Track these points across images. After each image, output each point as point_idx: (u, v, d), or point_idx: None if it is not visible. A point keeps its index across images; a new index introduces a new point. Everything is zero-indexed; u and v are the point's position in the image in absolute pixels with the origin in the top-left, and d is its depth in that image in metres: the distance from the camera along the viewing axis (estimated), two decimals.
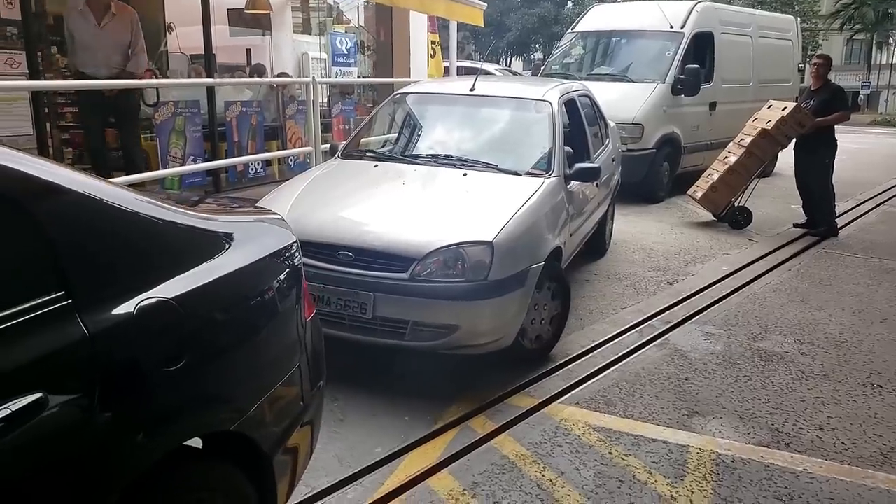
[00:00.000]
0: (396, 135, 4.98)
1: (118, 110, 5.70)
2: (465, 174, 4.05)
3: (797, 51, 11.70)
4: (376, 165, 4.33)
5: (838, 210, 8.19)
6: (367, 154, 4.65)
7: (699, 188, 7.39)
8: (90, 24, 5.57)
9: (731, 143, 7.47)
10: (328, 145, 5.25)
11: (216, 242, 1.78)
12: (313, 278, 3.30)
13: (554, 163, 4.18)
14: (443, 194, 3.90)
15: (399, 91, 5.28)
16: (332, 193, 4.03)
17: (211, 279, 1.67)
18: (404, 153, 4.54)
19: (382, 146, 4.92)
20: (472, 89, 4.76)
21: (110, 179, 1.98)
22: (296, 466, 2.08)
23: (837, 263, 6.04)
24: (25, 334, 1.26)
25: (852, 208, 8.61)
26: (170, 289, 1.55)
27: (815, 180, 6.94)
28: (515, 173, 4.10)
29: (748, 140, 7.04)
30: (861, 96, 30.60)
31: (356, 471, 2.74)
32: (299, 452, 2.10)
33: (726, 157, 7.30)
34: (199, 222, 1.80)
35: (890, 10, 32.81)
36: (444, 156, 4.32)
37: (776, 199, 8.51)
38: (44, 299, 1.30)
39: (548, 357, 3.82)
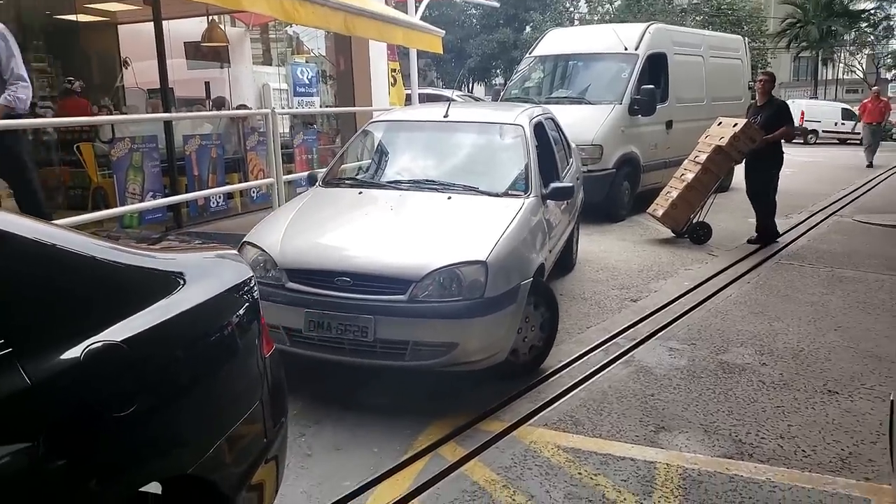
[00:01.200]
0: (375, 162, 5.05)
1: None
2: (449, 197, 4.17)
3: (747, 69, 12.12)
4: (360, 192, 4.40)
5: (792, 222, 8.54)
6: (349, 182, 4.72)
7: (659, 206, 7.54)
8: None
9: (686, 161, 7.67)
10: (306, 174, 5.28)
11: (169, 280, 1.76)
12: (312, 305, 3.43)
13: (531, 184, 4.34)
14: (431, 217, 4.01)
15: (374, 119, 5.39)
16: (322, 221, 4.11)
17: (163, 319, 1.64)
18: (386, 179, 4.60)
19: (362, 173, 4.96)
20: (445, 115, 4.91)
21: (54, 221, 1.94)
22: (261, 503, 2.04)
23: (793, 274, 6.21)
24: None
25: (805, 219, 8.89)
26: (120, 331, 1.52)
27: (759, 194, 7.28)
28: (496, 195, 4.25)
29: (703, 157, 7.23)
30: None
31: None
32: (265, 489, 2.06)
33: (683, 175, 7.48)
34: (149, 261, 1.78)
35: (833, 28, 34.24)
36: (426, 180, 4.44)
37: (734, 213, 8.73)
38: None
39: (538, 370, 3.93)
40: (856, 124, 18.16)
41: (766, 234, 7.42)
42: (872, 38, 35.80)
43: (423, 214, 4.07)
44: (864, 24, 35.17)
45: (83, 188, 6.79)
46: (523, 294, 3.64)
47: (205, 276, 1.91)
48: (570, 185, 4.74)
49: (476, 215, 3.97)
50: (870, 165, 15.53)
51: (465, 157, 4.79)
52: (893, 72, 35.66)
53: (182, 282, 1.78)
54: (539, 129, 5.07)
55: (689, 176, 7.29)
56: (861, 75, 37.37)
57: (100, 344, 1.46)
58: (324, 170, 5.03)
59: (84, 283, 1.56)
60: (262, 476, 2.02)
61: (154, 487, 1.62)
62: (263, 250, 3.71)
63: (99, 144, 6.51)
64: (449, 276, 3.41)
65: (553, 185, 4.47)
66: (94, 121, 5.47)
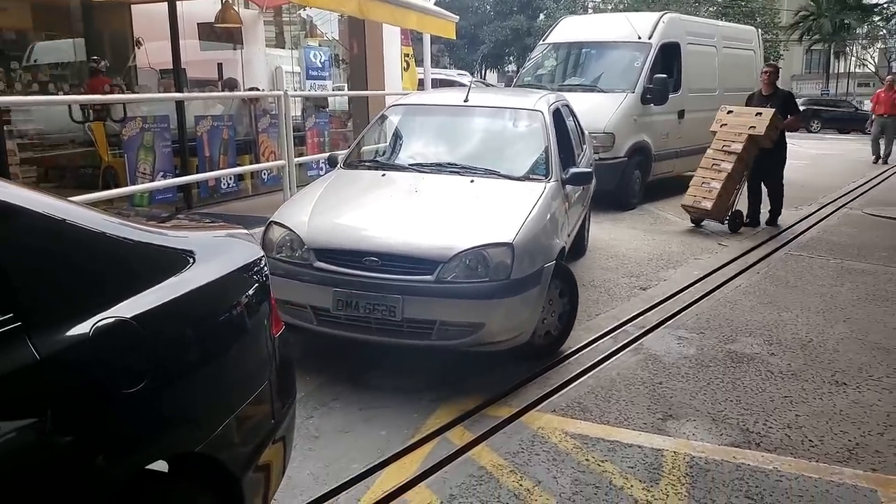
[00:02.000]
0: (396, 145, 5.08)
1: None
2: (472, 181, 4.22)
3: (759, 60, 11.96)
4: (384, 175, 4.45)
5: (802, 213, 8.51)
6: (370, 164, 4.75)
7: (703, 198, 7.43)
8: None
9: (712, 151, 7.61)
10: (327, 155, 5.30)
11: (179, 258, 1.76)
12: (341, 284, 3.48)
13: (552, 168, 4.41)
14: (455, 200, 4.05)
15: (394, 103, 5.43)
16: (348, 202, 4.15)
17: (174, 296, 1.64)
18: (409, 162, 4.63)
19: (384, 156, 4.98)
20: (465, 100, 4.97)
21: (70, 197, 1.95)
22: (268, 484, 2.05)
23: (802, 265, 6.17)
24: None
25: (815, 211, 8.81)
26: (130, 307, 1.52)
27: (773, 177, 7.62)
28: (518, 179, 4.32)
29: (737, 146, 7.29)
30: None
31: (332, 488, 2.70)
32: (272, 470, 2.07)
33: (716, 165, 7.47)
34: (160, 238, 1.78)
35: (846, 21, 33.79)
36: (448, 164, 4.48)
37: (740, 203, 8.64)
38: None
39: (557, 352, 3.99)
40: (869, 119, 16.20)
41: (777, 213, 7.82)
42: (885, 31, 35.31)
43: (447, 197, 4.11)
44: (876, 18, 34.71)
45: (94, 167, 6.81)
46: (547, 276, 3.71)
47: (215, 254, 1.92)
48: (589, 170, 4.82)
49: (499, 198, 4.03)
50: (881, 160, 14.35)
51: (485, 141, 4.84)
52: None
53: (192, 260, 1.78)
54: (557, 115, 5.11)
55: (727, 166, 7.36)
56: (873, 69, 36.87)
57: (109, 320, 1.47)
58: (343, 152, 5.06)
59: (94, 259, 1.56)
60: (270, 457, 2.03)
61: (160, 465, 1.63)
62: (291, 230, 3.73)
63: (110, 124, 6.52)
64: (476, 257, 3.48)
65: (573, 169, 4.55)
66: (109, 99, 5.47)
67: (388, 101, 9.88)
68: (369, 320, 3.47)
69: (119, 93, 6.47)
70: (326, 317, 3.56)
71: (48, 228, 1.48)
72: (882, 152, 14.53)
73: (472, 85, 15.05)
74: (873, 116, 15.04)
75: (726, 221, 7.45)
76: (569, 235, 4.52)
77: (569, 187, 4.53)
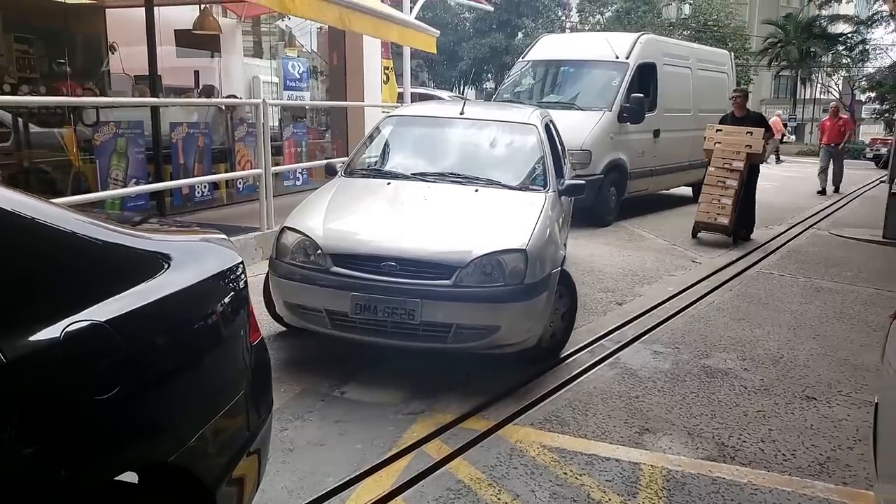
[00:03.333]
0: (397, 154, 5.11)
1: None
2: (476, 190, 4.34)
3: (732, 83, 12.26)
4: (389, 183, 4.50)
5: (772, 233, 8.72)
6: (373, 172, 4.79)
7: (719, 215, 7.85)
8: None
9: (714, 168, 7.95)
10: (325, 163, 5.38)
11: (155, 262, 1.70)
12: (359, 288, 3.55)
13: (549, 180, 4.57)
14: (464, 208, 4.16)
15: (392, 113, 5.55)
16: (360, 209, 4.23)
17: (149, 300, 1.59)
18: (412, 171, 4.66)
19: (385, 165, 4.99)
20: (461, 113, 5.11)
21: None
22: (242, 498, 1.98)
23: (773, 283, 6.29)
24: None
25: (784, 231, 9.04)
26: (103, 311, 1.46)
27: (748, 195, 8.04)
28: (518, 189, 4.46)
29: (739, 164, 7.75)
30: (789, 128, 32.25)
31: (307, 502, 2.64)
32: (245, 483, 2.01)
33: (721, 182, 7.88)
34: (137, 241, 1.72)
35: (812, 49, 34.85)
36: (451, 174, 4.56)
37: None
38: None
39: (559, 355, 4.16)
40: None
41: (751, 226, 8.26)
42: (849, 60, 36.49)
43: (456, 205, 4.21)
44: (840, 48, 35.87)
45: (63, 172, 6.65)
46: (554, 281, 3.89)
47: (194, 259, 1.86)
48: (583, 182, 4.97)
49: (505, 207, 4.17)
50: (834, 190, 13.59)
51: (484, 152, 4.97)
52: (867, 94, 36.37)
53: (169, 264, 1.73)
54: (547, 129, 5.24)
55: (733, 182, 7.81)
56: (837, 96, 38.10)
57: (83, 323, 1.40)
58: (340, 160, 5.08)
59: (70, 260, 1.50)
60: (244, 470, 1.97)
61: (130, 477, 1.56)
62: (307, 235, 3.78)
63: (82, 128, 6.39)
64: (491, 263, 3.60)
65: (567, 181, 4.74)
66: (86, 101, 5.37)
67: (368, 113, 9.99)
68: (385, 324, 3.54)
69: (92, 96, 6.34)
70: (342, 320, 3.62)
71: (16, 226, 1.41)
72: (832, 182, 13.66)
73: (449, 99, 15.13)
74: (820, 146, 13.99)
75: (732, 234, 7.91)
76: (564, 244, 4.67)
77: (563, 198, 4.69)
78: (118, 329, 1.47)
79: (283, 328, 4.26)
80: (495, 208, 4.14)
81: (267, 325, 4.14)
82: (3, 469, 1.24)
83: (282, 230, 3.91)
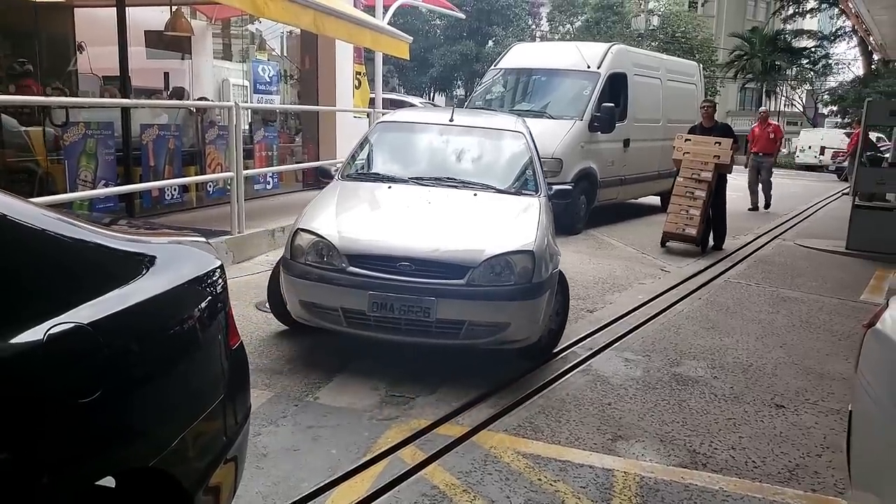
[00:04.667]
0: (392, 159, 5.16)
1: None
2: (475, 194, 4.52)
3: (700, 94, 12.52)
4: (390, 187, 4.60)
5: (739, 243, 8.91)
6: (371, 176, 4.86)
7: (687, 226, 7.96)
8: None
9: (682, 179, 8.07)
10: (316, 166, 5.39)
11: (138, 264, 1.68)
12: (376, 287, 3.69)
13: (540, 184, 4.79)
14: (466, 211, 4.34)
15: (383, 119, 5.69)
16: (369, 211, 4.43)
17: (132, 303, 1.57)
18: (409, 176, 4.75)
19: (382, 169, 5.00)
20: (451, 119, 5.22)
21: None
22: None
23: (741, 293, 6.43)
24: None
25: (751, 241, 9.24)
26: (85, 313, 1.44)
27: (719, 204, 8.22)
28: (513, 193, 4.66)
29: (707, 174, 7.90)
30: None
31: None
32: (222, 492, 1.98)
33: (689, 193, 8.00)
34: (117, 242, 1.70)
35: (777, 62, 35.80)
36: (447, 178, 4.71)
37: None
38: None
39: (552, 351, 4.38)
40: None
41: (723, 236, 8.43)
42: (812, 74, 37.56)
43: (458, 208, 4.37)
44: (804, 61, 36.90)
45: (29, 173, 6.47)
46: (554, 281, 4.10)
47: (175, 261, 1.84)
48: (569, 187, 5.15)
49: (505, 210, 4.36)
50: (763, 205, 12.44)
51: (476, 158, 5.09)
52: (830, 107, 37.47)
53: (151, 266, 1.71)
54: (530, 136, 5.37)
55: (701, 193, 7.94)
56: (801, 109, 39.12)
57: (66, 325, 1.38)
58: (327, 162, 5.11)
59: (52, 262, 1.47)
60: (220, 478, 1.94)
61: (108, 481, 1.54)
62: (322, 237, 3.89)
63: (49, 129, 6.23)
64: (501, 263, 3.79)
65: (556, 186, 4.97)
66: (56, 101, 5.26)
67: (340, 118, 9.94)
68: (400, 321, 3.69)
69: (60, 96, 6.20)
70: (358, 318, 3.75)
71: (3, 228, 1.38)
72: (762, 199, 12.50)
73: (421, 106, 15.16)
74: (749, 156, 12.78)
75: (699, 244, 8.07)
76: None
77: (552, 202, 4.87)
78: (101, 331, 1.45)
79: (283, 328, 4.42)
80: (496, 211, 4.34)
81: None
82: None
83: (295, 232, 4.03)
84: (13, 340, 1.29)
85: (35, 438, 1.30)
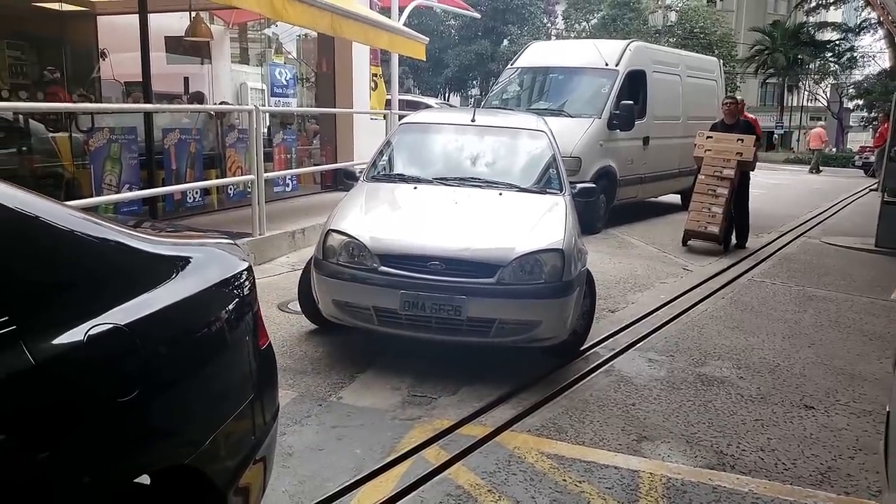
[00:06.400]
0: (415, 160, 5.17)
1: None
2: (500, 193, 4.53)
3: (721, 91, 12.38)
4: (415, 188, 4.63)
5: (763, 241, 8.78)
6: (396, 177, 4.89)
7: (710, 223, 7.87)
8: None
9: (704, 177, 7.98)
10: (341, 167, 5.42)
11: (170, 266, 1.70)
12: (408, 287, 3.74)
13: (563, 183, 4.78)
14: (494, 210, 4.35)
15: (405, 121, 5.73)
16: (397, 212, 4.46)
17: (167, 304, 1.59)
18: (434, 176, 4.77)
19: (406, 170, 5.02)
20: (472, 120, 5.24)
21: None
22: None
23: (766, 291, 6.34)
24: None
25: (775, 239, 9.10)
26: (123, 314, 1.46)
27: (741, 202, 8.12)
28: (538, 192, 4.66)
29: (729, 172, 7.81)
30: (775, 135, 32.54)
31: None
32: (251, 492, 2.00)
33: (712, 190, 7.91)
34: (151, 245, 1.72)
35: (799, 56, 35.26)
36: (472, 178, 4.74)
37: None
38: None
39: (578, 350, 4.38)
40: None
41: (746, 234, 8.30)
42: (836, 67, 36.90)
43: (485, 207, 4.38)
44: (828, 55, 36.26)
45: (56, 177, 6.58)
46: (583, 278, 4.11)
47: (206, 263, 1.86)
48: (594, 185, 5.15)
49: (531, 209, 4.36)
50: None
51: (499, 158, 5.09)
52: (855, 102, 36.80)
53: (184, 268, 1.73)
54: (552, 135, 5.37)
55: (723, 191, 7.86)
56: (825, 103, 38.50)
57: (104, 327, 1.41)
58: (350, 164, 5.11)
59: (91, 263, 1.50)
60: (250, 479, 1.96)
61: (144, 479, 1.57)
62: (354, 237, 3.94)
63: (75, 135, 6.33)
64: (531, 261, 3.81)
65: (579, 185, 4.92)
66: (81, 107, 5.36)
67: (357, 120, 9.98)
68: (431, 320, 3.72)
69: (85, 102, 6.32)
70: (389, 317, 3.79)
71: (43, 229, 1.42)
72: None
73: (437, 106, 15.16)
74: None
75: (722, 242, 7.96)
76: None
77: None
78: (137, 332, 1.47)
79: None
80: (522, 210, 4.34)
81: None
82: (30, 472, 1.23)
83: (327, 233, 4.08)
84: (55, 341, 1.31)
85: (79, 436, 1.33)
